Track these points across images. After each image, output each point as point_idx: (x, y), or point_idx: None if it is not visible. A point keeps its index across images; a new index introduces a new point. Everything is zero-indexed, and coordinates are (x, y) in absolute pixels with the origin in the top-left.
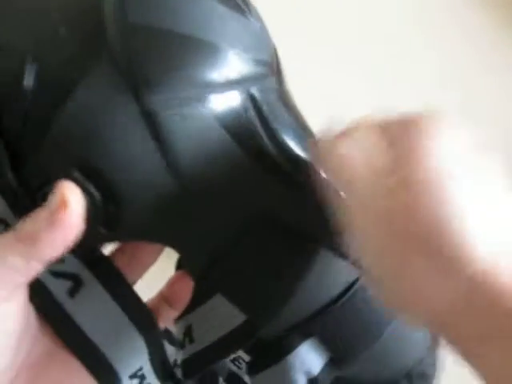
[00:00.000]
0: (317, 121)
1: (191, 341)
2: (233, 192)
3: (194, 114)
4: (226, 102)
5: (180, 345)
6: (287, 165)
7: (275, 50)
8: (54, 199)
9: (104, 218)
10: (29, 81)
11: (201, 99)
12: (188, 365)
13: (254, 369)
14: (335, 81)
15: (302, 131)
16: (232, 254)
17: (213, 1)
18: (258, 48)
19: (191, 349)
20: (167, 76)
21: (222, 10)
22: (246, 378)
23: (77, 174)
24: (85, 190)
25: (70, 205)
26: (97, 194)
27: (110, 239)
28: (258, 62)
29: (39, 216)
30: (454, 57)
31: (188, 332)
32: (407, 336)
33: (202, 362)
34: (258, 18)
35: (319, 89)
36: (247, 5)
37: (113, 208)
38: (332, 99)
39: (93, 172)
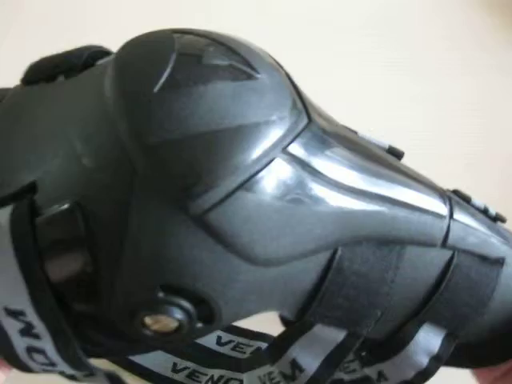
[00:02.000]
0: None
1: (301, 371)
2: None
3: (242, 201)
4: (270, 175)
5: (291, 377)
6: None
7: (289, 76)
8: None
9: (200, 318)
10: (81, 227)
11: (244, 185)
12: None
13: (371, 360)
14: (338, 82)
15: (351, 151)
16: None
17: (218, 83)
18: (276, 103)
19: (304, 377)
20: (200, 178)
21: (229, 86)
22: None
23: (162, 295)
24: (175, 305)
25: None
26: (186, 304)
27: (212, 330)
28: (281, 118)
29: None
30: (460, 57)
31: (294, 364)
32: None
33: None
34: (262, 66)
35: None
36: (248, 62)
37: (206, 307)
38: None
39: (176, 288)
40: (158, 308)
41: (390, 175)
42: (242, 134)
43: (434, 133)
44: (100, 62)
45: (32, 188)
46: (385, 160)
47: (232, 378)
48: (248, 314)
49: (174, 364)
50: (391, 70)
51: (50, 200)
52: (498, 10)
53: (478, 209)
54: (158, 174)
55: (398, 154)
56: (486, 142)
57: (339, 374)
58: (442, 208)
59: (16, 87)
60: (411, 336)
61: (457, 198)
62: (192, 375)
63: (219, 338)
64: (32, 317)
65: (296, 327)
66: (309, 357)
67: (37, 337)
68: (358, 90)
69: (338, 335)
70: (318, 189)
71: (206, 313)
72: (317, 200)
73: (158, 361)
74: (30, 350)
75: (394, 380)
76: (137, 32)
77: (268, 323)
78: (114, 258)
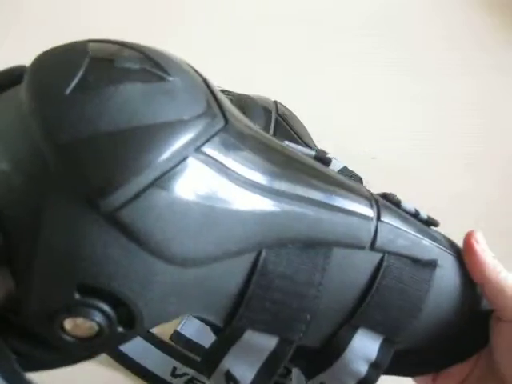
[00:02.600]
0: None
1: (235, 383)
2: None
3: (155, 199)
4: (183, 173)
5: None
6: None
7: (204, 80)
8: None
9: (120, 321)
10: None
11: (155, 182)
12: None
13: (312, 372)
14: (334, 84)
15: (264, 154)
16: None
17: (128, 84)
18: (190, 103)
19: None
20: (110, 177)
21: (140, 88)
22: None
23: (79, 297)
24: (93, 308)
25: None
26: (105, 306)
27: (135, 334)
28: (195, 117)
29: None
30: (460, 57)
31: (228, 376)
32: (447, 291)
33: None
34: (176, 70)
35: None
36: (160, 66)
37: (126, 310)
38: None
39: (93, 290)
40: (75, 310)
41: (313, 178)
42: (153, 132)
43: (433, 133)
44: None
45: None
46: (308, 165)
47: None
48: (170, 317)
49: (174, 368)
50: (391, 70)
51: None
52: (498, 10)
53: (408, 212)
54: (69, 173)
55: (325, 161)
56: (485, 141)
57: None
58: (367, 210)
59: None
60: (346, 342)
61: (385, 202)
62: (190, 382)
63: None
64: None
65: (226, 335)
66: (243, 367)
67: None
68: (358, 90)
69: (270, 342)
70: (234, 189)
71: (127, 316)
72: (234, 200)
73: (157, 362)
74: None
75: None
76: (136, 32)
77: None
78: (29, 262)
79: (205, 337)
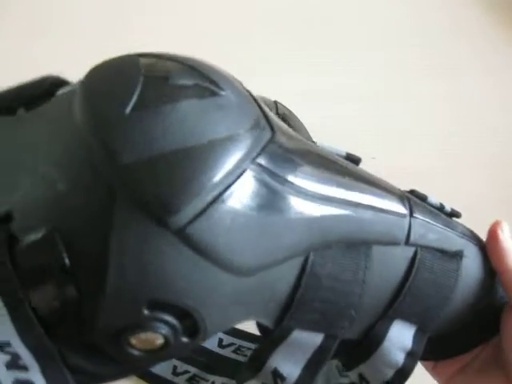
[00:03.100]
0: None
1: (282, 380)
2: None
3: (219, 214)
4: (242, 188)
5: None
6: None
7: (250, 93)
8: None
9: (184, 332)
10: (66, 257)
11: (220, 197)
12: None
13: (351, 363)
14: (332, 87)
15: (312, 164)
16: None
17: (185, 101)
18: (242, 117)
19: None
20: (178, 193)
21: (196, 104)
22: None
23: (148, 313)
24: (161, 322)
25: None
26: (172, 320)
27: (197, 343)
28: (248, 131)
29: None
30: (452, 57)
31: (275, 373)
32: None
33: None
34: (227, 84)
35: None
36: (212, 80)
37: (190, 321)
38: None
39: (161, 304)
40: (143, 326)
41: (352, 180)
42: (214, 148)
43: (453, 131)
44: (61, 91)
45: (7, 218)
46: (345, 167)
47: None
48: (231, 324)
49: (174, 367)
50: (393, 70)
51: (25, 228)
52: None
53: (434, 206)
54: (135, 193)
55: (355, 160)
56: (505, 141)
57: (339, 379)
58: (401, 208)
59: None
60: (384, 333)
61: (414, 198)
62: (192, 380)
63: (220, 340)
64: (18, 347)
65: (275, 335)
66: (289, 364)
67: (24, 368)
68: (360, 90)
69: (316, 339)
70: (287, 197)
71: (191, 326)
72: (288, 208)
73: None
74: (18, 383)
75: (375, 382)
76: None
77: None
78: (97, 281)
79: None
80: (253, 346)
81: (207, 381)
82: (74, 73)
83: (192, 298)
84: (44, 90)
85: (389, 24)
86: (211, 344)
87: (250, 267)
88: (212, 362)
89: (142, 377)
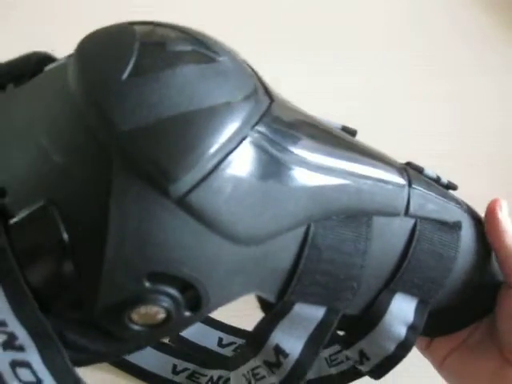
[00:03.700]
0: None
1: (285, 356)
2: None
3: (220, 181)
4: (243, 155)
5: (276, 365)
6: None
7: (248, 64)
8: None
9: (186, 305)
10: (63, 230)
11: (221, 164)
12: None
13: (351, 340)
14: (329, 85)
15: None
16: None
17: (184, 67)
18: (240, 83)
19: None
20: (178, 161)
21: (195, 70)
22: None
23: (149, 285)
24: (162, 294)
25: None
26: (173, 292)
27: (200, 317)
28: (247, 97)
29: None
30: (452, 57)
31: (277, 349)
32: (472, 250)
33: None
34: (224, 51)
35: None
36: (209, 47)
37: (193, 293)
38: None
39: (162, 275)
40: (145, 299)
41: (351, 151)
42: (213, 114)
43: (452, 131)
44: (49, 67)
45: (0, 193)
46: (343, 138)
47: None
48: (233, 297)
49: (174, 366)
50: (395, 69)
51: (21, 202)
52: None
53: (431, 178)
54: (134, 161)
55: (351, 132)
56: (505, 141)
57: (328, 370)
58: (400, 178)
59: None
60: (385, 307)
61: (411, 169)
62: (192, 376)
63: (220, 339)
64: (14, 326)
65: (276, 309)
66: (292, 340)
67: (21, 349)
68: (363, 90)
69: (318, 313)
70: (288, 165)
71: (193, 299)
72: (288, 176)
73: (158, 363)
74: (14, 364)
75: (377, 357)
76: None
77: None
78: (97, 253)
79: (202, 336)
80: None
81: (206, 376)
82: None
83: (194, 268)
84: (32, 65)
85: (388, 24)
86: (211, 343)
87: (253, 236)
88: (211, 360)
89: (142, 377)
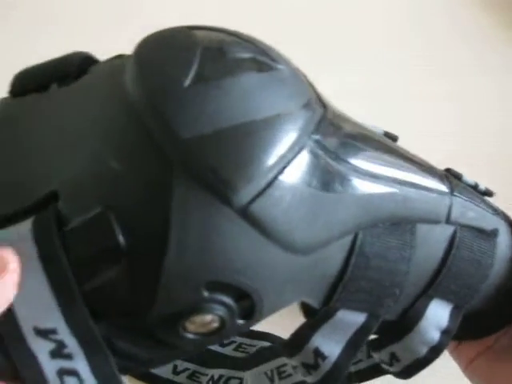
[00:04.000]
0: None
1: (323, 358)
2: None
3: (280, 191)
4: (301, 164)
5: (313, 367)
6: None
7: (303, 74)
8: None
9: (240, 313)
10: (121, 238)
11: (280, 176)
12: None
13: (384, 343)
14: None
15: (363, 141)
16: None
17: (245, 75)
18: (298, 92)
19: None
20: (241, 171)
21: (256, 78)
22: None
23: (206, 294)
24: (218, 303)
25: (10, 270)
26: (229, 301)
27: (250, 325)
28: (304, 106)
29: None
30: (452, 57)
31: (317, 352)
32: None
33: (339, 373)
34: (281, 59)
35: None
36: (268, 54)
37: (248, 302)
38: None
39: (219, 284)
40: (202, 308)
41: (396, 158)
42: (274, 124)
43: (452, 131)
44: (95, 68)
45: (52, 198)
46: (388, 145)
47: (232, 377)
48: (284, 304)
49: (175, 366)
50: (411, 69)
51: (75, 208)
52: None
53: (469, 185)
54: (197, 170)
55: (393, 138)
56: (504, 141)
57: None
58: (442, 186)
59: (3, 100)
60: (422, 313)
61: (451, 176)
62: (192, 376)
63: None
64: (64, 334)
65: (320, 315)
66: (331, 343)
67: (69, 357)
68: (368, 89)
69: (359, 318)
70: (341, 174)
71: (247, 308)
72: (341, 184)
73: None
74: (62, 372)
75: (407, 359)
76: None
77: (267, 323)
78: (155, 261)
79: None
80: (254, 342)
81: (206, 375)
82: None
83: (251, 277)
84: (76, 66)
85: (388, 24)
86: None
87: (307, 244)
88: (211, 359)
89: (142, 378)
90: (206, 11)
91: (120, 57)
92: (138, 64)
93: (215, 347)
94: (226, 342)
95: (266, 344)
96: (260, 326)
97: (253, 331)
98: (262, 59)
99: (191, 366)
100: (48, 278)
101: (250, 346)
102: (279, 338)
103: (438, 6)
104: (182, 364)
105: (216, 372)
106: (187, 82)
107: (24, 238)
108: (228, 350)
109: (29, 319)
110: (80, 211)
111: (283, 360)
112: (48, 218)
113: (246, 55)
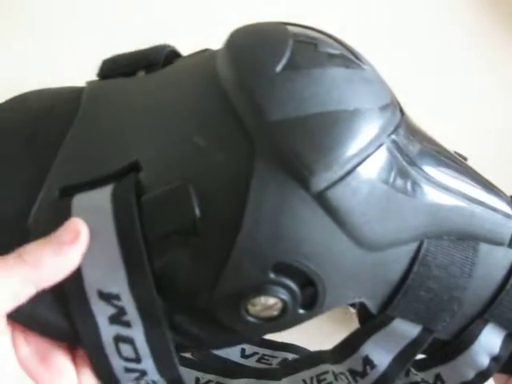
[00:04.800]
0: None
1: (372, 367)
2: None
3: (357, 182)
4: (379, 160)
5: (361, 374)
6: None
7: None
8: (66, 231)
9: (303, 302)
10: (198, 211)
11: (360, 166)
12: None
13: (431, 363)
14: None
15: (436, 150)
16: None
17: (335, 68)
18: (380, 92)
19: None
20: (322, 157)
21: (344, 73)
22: None
23: (273, 276)
24: (283, 287)
25: (81, 239)
26: (294, 286)
27: (309, 317)
28: (385, 107)
29: (48, 243)
30: (452, 57)
31: (366, 360)
32: None
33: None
34: (366, 60)
35: None
36: (355, 54)
37: (311, 291)
38: None
39: (286, 267)
40: (266, 290)
41: (468, 175)
42: (358, 116)
43: (452, 131)
44: (181, 59)
45: (134, 167)
46: (461, 161)
47: None
48: (345, 301)
49: (197, 379)
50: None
51: (157, 179)
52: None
53: None
54: (279, 151)
55: (464, 158)
56: (504, 141)
57: None
58: (509, 208)
59: (92, 82)
60: (476, 336)
61: None
62: None
63: (243, 350)
64: (127, 301)
65: (376, 322)
66: (382, 353)
67: (127, 324)
68: None
69: (413, 331)
70: (413, 178)
71: (309, 297)
72: (413, 189)
73: None
74: (118, 339)
75: (452, 382)
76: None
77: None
78: (227, 237)
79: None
80: (276, 353)
81: None
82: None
83: (319, 264)
84: (163, 56)
85: (389, 24)
86: (234, 355)
87: (376, 241)
88: (235, 370)
89: None
90: (206, 11)
91: (206, 50)
92: (230, 48)
93: (238, 358)
94: (248, 353)
95: (289, 355)
96: (277, 336)
97: (274, 342)
98: (350, 57)
99: (213, 378)
100: (120, 243)
101: (273, 357)
102: (302, 348)
103: (439, 6)
104: (203, 377)
105: (241, 382)
106: (279, 68)
107: (101, 200)
108: (251, 362)
109: (94, 282)
110: (160, 183)
111: (324, 368)
112: (128, 186)
113: (336, 51)
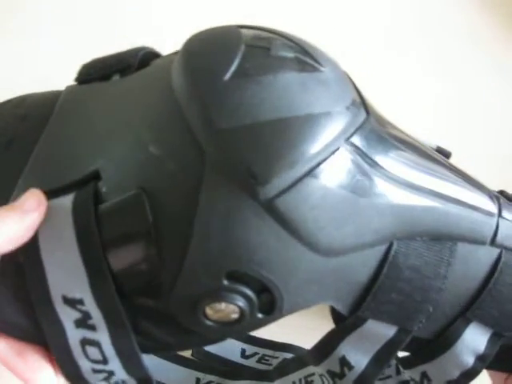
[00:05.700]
0: None
1: (350, 368)
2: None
3: (309, 189)
4: (335, 165)
5: (339, 376)
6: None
7: (349, 76)
8: (28, 200)
9: (260, 307)
10: (151, 219)
11: (311, 172)
12: None
13: (416, 361)
14: None
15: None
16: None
17: (286, 73)
18: (340, 95)
19: (353, 375)
20: (270, 164)
21: (297, 77)
22: None
23: (227, 283)
24: (238, 293)
25: (41, 209)
26: (250, 292)
27: (271, 321)
28: (345, 109)
29: (11, 210)
30: (452, 57)
31: (343, 361)
32: None
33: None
34: (326, 61)
35: None
36: (312, 56)
37: (268, 297)
38: None
39: (240, 275)
40: (221, 295)
41: (443, 173)
42: (310, 122)
43: (452, 131)
44: (155, 62)
45: (95, 176)
46: (436, 159)
47: None
48: (306, 305)
49: (198, 379)
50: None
51: (113, 188)
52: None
53: None
54: (228, 160)
55: (446, 154)
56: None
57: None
58: (491, 206)
59: (69, 87)
60: (458, 335)
61: (503, 198)
62: None
63: (243, 350)
64: (90, 306)
65: (348, 323)
66: (358, 354)
67: (92, 328)
68: (373, 88)
69: (389, 331)
70: (377, 181)
71: (267, 303)
72: (376, 191)
73: (180, 377)
74: (84, 342)
75: (438, 381)
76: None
77: (284, 334)
78: (180, 246)
79: (225, 349)
80: (276, 354)
81: None
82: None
83: (273, 271)
84: (139, 59)
85: (389, 24)
86: (234, 355)
87: (333, 247)
88: (235, 371)
89: None
90: (205, 11)
91: (178, 52)
92: (183, 57)
93: (238, 359)
94: (248, 353)
95: (289, 355)
96: (277, 336)
97: (275, 342)
98: (306, 60)
99: (214, 379)
100: (80, 250)
101: (273, 357)
102: (302, 348)
103: (439, 7)
104: (204, 377)
105: (242, 383)
106: (228, 75)
107: (64, 209)
108: (251, 362)
109: (59, 287)
110: (117, 191)
111: (310, 369)
112: (87, 195)
113: (289, 55)
